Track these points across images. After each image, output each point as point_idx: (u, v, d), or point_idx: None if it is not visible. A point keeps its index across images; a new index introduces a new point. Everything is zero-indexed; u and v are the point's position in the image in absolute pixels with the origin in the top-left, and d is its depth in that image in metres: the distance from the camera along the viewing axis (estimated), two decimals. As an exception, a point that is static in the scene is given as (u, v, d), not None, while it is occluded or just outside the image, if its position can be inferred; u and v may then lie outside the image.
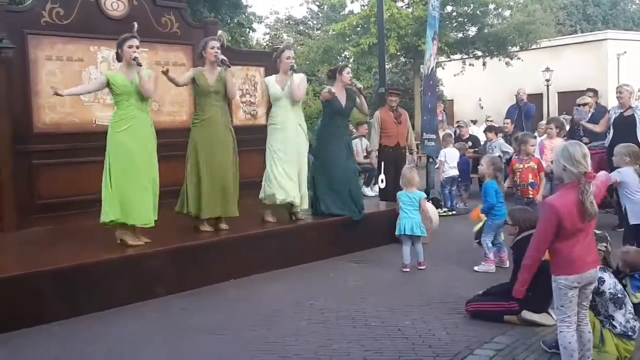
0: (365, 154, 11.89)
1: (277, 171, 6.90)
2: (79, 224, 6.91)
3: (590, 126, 8.77)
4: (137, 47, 5.86)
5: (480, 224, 6.46)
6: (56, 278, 5.05)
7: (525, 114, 11.50)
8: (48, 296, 4.96)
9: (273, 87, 7.01)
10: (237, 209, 6.58)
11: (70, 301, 5.05)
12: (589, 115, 9.27)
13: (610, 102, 9.95)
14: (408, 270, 6.35)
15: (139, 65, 5.75)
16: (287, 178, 6.92)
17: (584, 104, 9.43)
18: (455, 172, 10.14)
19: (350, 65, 8.60)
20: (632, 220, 5.93)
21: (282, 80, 7.00)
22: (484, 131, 11.69)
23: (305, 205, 7.19)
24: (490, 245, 6.32)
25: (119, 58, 5.96)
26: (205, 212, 6.41)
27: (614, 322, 4.06)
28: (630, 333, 4.07)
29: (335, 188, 7.31)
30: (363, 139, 12.33)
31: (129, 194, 5.70)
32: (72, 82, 7.26)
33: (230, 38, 22.48)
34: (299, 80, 6.98)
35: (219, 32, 6.83)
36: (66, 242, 6.14)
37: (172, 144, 7.04)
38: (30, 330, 4.73)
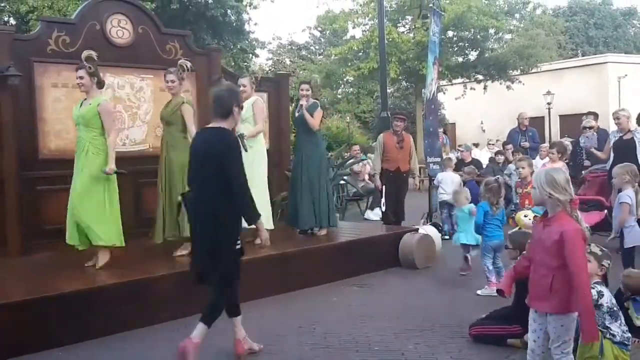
0: (368, 177, 11.95)
1: None
2: (84, 250, 6.94)
3: (598, 154, 8.82)
4: (81, 78, 5.97)
5: (516, 229, 6.44)
6: (61, 304, 5.06)
7: (530, 141, 11.49)
8: (53, 322, 4.97)
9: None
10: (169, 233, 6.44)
11: (75, 327, 5.06)
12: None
13: (612, 125, 9.98)
14: (465, 274, 6.99)
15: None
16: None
17: (590, 127, 9.49)
18: (449, 197, 9.63)
19: (312, 81, 8.72)
20: (628, 243, 5.92)
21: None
22: (512, 152, 11.53)
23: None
24: (490, 267, 6.34)
25: None
26: None
27: (612, 332, 4.11)
28: (626, 342, 4.15)
29: (294, 200, 7.60)
30: (369, 161, 12.33)
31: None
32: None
33: (233, 64, 22.75)
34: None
35: (180, 60, 6.72)
36: (71, 268, 6.13)
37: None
38: (34, 356, 4.74)
